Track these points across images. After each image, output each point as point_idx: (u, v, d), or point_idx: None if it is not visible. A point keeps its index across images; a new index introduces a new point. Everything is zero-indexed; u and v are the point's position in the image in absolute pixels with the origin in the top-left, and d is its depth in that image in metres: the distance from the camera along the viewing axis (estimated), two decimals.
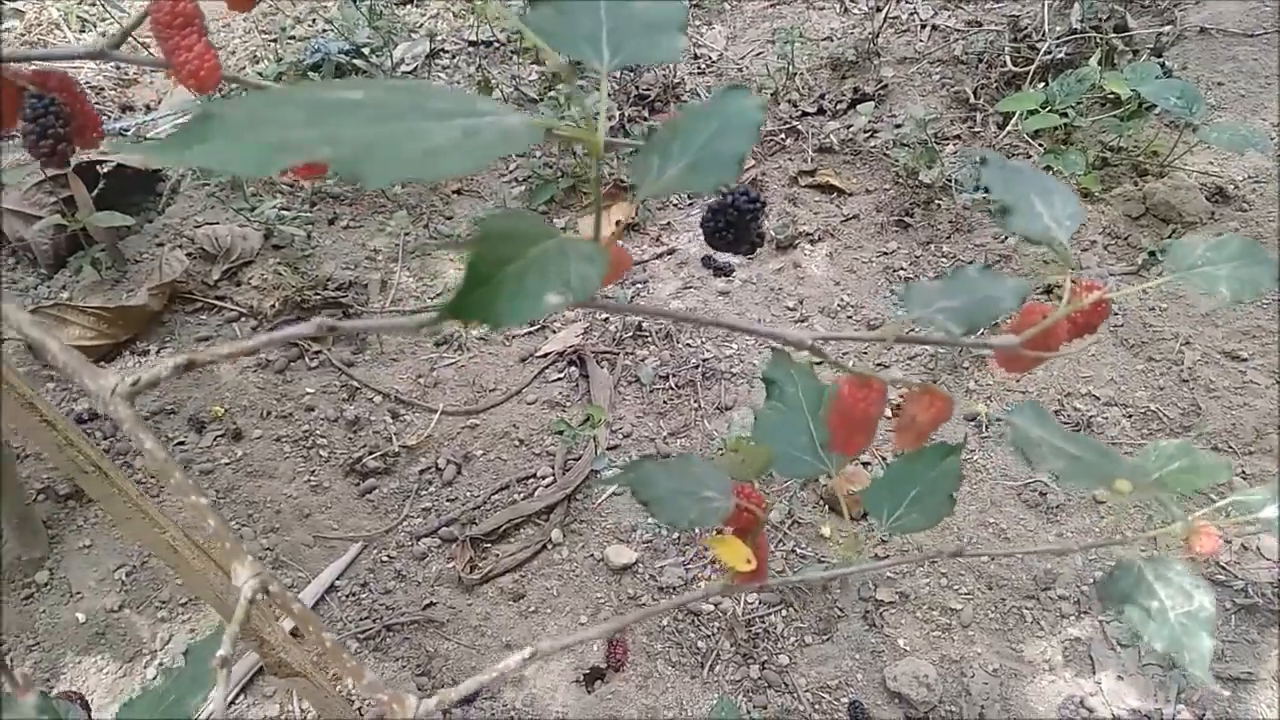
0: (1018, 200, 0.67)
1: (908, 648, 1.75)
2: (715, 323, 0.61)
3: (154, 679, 1.70)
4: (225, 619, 1.16)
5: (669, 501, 0.67)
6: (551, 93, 2.61)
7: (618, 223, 2.43)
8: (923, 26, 2.86)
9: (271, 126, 0.41)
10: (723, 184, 0.56)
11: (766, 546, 0.81)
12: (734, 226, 0.72)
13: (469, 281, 0.44)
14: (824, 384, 0.89)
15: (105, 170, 2.58)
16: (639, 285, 2.33)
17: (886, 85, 2.69)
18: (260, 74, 2.75)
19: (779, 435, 0.81)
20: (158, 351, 2.18)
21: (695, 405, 2.08)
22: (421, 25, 3.07)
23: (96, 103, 2.95)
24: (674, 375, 2.13)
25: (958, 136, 2.54)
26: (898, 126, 2.59)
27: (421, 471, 1.98)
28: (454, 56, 2.94)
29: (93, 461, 0.92)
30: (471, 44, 2.97)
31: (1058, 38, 2.49)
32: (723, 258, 2.36)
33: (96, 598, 1.80)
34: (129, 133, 2.82)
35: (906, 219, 2.37)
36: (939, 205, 2.36)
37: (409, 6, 3.16)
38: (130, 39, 0.63)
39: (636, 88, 2.72)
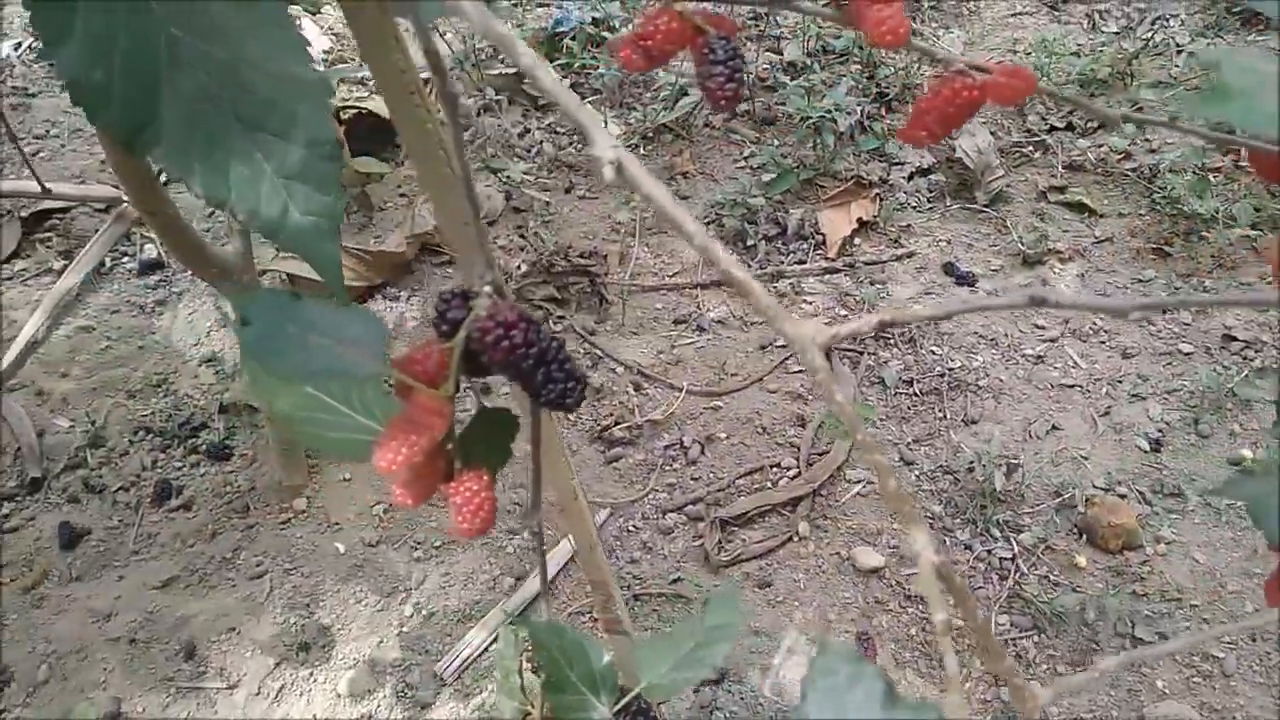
0: None
1: (1166, 690, 1.69)
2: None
3: (410, 616, 1.74)
4: (587, 569, 1.16)
5: None
6: (801, 78, 2.59)
7: (859, 220, 2.40)
8: (1178, 51, 2.75)
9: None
10: None
11: None
12: None
13: None
14: None
15: (345, 118, 2.65)
16: (877, 286, 2.30)
17: (1140, 109, 2.60)
18: None
19: None
20: (408, 298, 2.23)
21: (940, 414, 2.04)
22: None
23: (340, 50, 3.03)
24: (918, 381, 2.09)
25: (1218, 169, 2.44)
26: (1152, 151, 2.50)
27: (666, 447, 1.98)
28: None
29: None
30: None
31: None
32: (966, 266, 2.31)
33: (355, 531, 1.85)
34: (371, 80, 2.89)
35: (1165, 248, 2.28)
36: (1202, 237, 2.27)
37: None
38: None
39: (877, 85, 2.68)
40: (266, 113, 0.64)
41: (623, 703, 0.74)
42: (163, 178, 1.52)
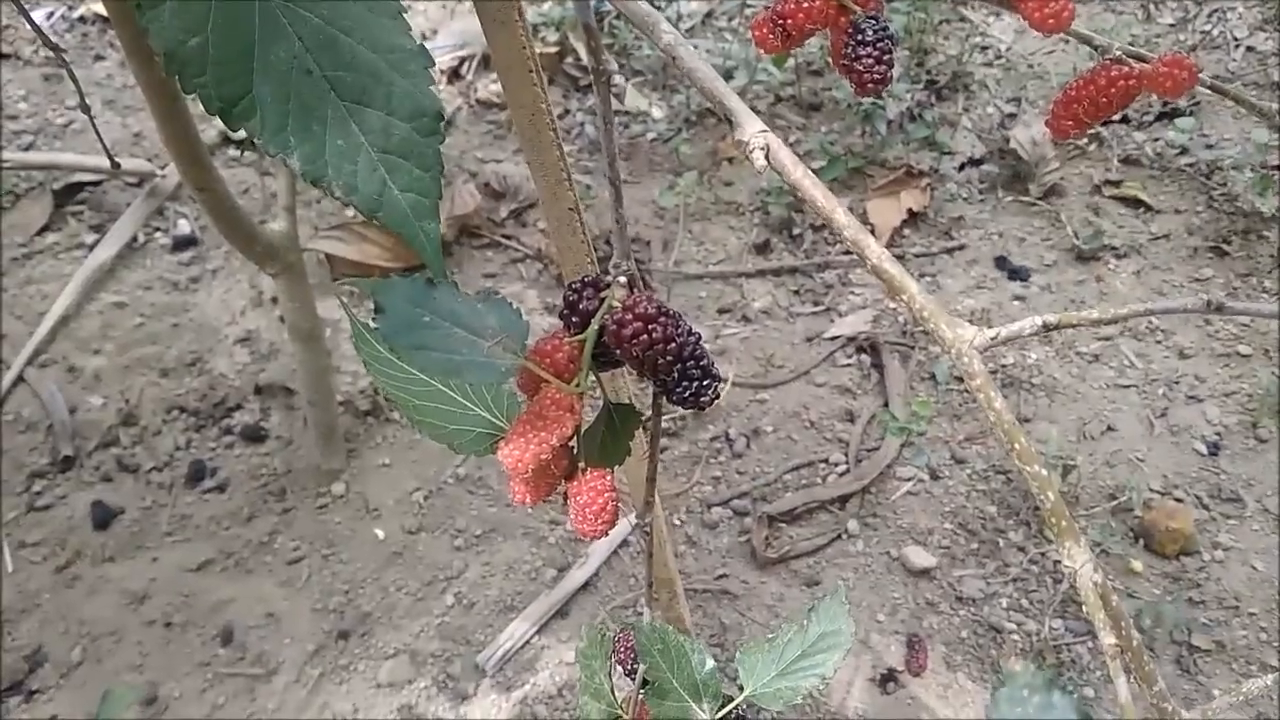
0: None
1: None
2: None
3: (451, 606, 1.71)
4: (654, 565, 1.12)
5: None
6: None
7: (909, 210, 2.34)
8: (1236, 45, 2.68)
9: None
10: None
11: None
12: None
13: None
14: None
15: None
16: (927, 279, 2.24)
17: (1198, 102, 2.53)
18: (543, 15, 2.73)
19: None
20: None
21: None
22: None
23: None
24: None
25: (1276, 166, 2.37)
26: (1209, 147, 2.43)
27: (711, 439, 1.94)
28: (732, 19, 2.88)
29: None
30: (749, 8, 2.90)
31: None
32: (1019, 260, 2.25)
33: (394, 517, 1.82)
34: None
35: (1224, 246, 2.22)
36: (1261, 236, 2.21)
37: None
38: None
39: (928, 72, 2.61)
40: (363, 83, 0.59)
41: (724, 711, 0.71)
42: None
